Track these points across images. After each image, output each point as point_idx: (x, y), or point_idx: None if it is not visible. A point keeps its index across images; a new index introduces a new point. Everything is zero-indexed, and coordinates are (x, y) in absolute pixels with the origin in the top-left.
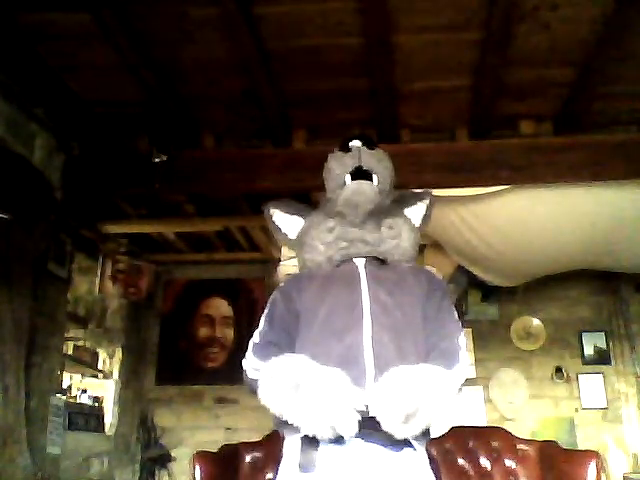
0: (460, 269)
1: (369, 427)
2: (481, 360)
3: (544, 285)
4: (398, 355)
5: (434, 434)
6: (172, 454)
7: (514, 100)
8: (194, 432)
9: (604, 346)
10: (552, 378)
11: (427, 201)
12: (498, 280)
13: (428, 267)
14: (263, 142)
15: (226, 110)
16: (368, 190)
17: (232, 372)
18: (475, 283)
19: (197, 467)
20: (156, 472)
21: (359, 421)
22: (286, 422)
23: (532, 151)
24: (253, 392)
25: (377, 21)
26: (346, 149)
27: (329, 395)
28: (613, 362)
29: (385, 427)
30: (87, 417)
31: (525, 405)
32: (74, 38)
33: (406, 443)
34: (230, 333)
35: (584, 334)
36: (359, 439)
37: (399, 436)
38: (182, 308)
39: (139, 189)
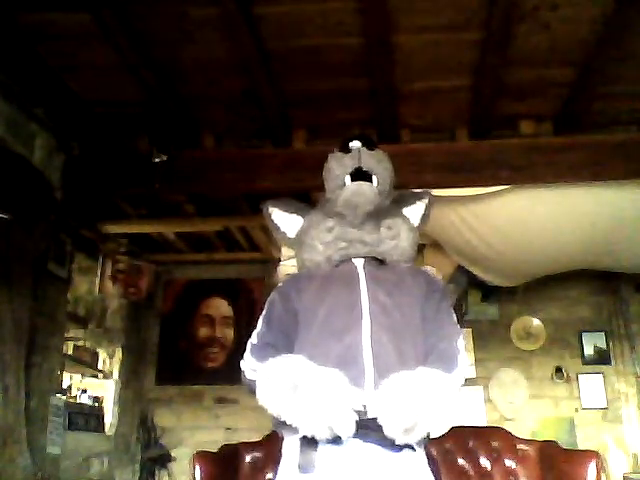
0: (460, 269)
1: (368, 427)
2: (481, 360)
3: (544, 285)
4: (397, 356)
5: (434, 435)
6: (172, 454)
7: (514, 100)
8: (194, 432)
9: (604, 346)
10: (552, 378)
11: (426, 201)
12: (498, 280)
13: (427, 267)
14: (263, 142)
15: (226, 110)
16: (368, 191)
17: (232, 372)
18: (475, 283)
19: (197, 467)
20: (156, 472)
21: (357, 421)
22: (285, 423)
23: (532, 151)
24: (252, 393)
25: (377, 21)
26: (346, 150)
27: (326, 396)
28: (613, 362)
29: (388, 434)
30: (87, 417)
31: (525, 405)
32: (74, 38)
33: (405, 444)
34: (230, 333)
35: (584, 334)
36: (358, 439)
37: (401, 442)
38: (182, 308)
39: (139, 189)
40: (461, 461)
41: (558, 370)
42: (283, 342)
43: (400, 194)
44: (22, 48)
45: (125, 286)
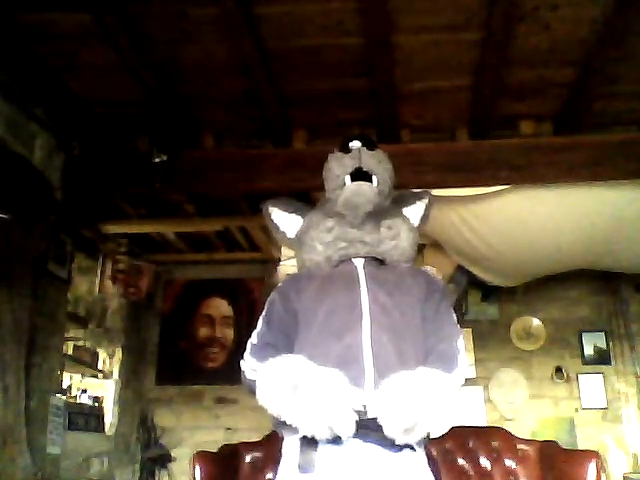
0: (460, 269)
1: (368, 427)
2: (481, 360)
3: (544, 285)
4: (397, 356)
5: (434, 435)
6: (172, 454)
7: (514, 100)
8: (194, 432)
9: (604, 346)
10: (552, 378)
11: (426, 201)
12: (498, 280)
13: (427, 267)
14: (263, 142)
15: (226, 110)
16: (368, 191)
17: (232, 372)
18: (475, 283)
19: (197, 467)
20: (156, 472)
21: (357, 421)
22: (285, 423)
23: (532, 151)
24: (252, 393)
25: (377, 21)
26: (346, 150)
27: (327, 395)
28: (613, 362)
29: (387, 434)
30: (87, 417)
31: (525, 405)
32: (74, 38)
33: (405, 444)
34: (230, 333)
35: (584, 334)
36: (358, 439)
37: (401, 442)
38: (182, 308)
39: (139, 189)
40: (461, 461)
41: (558, 370)
42: (283, 342)
43: (400, 194)
44: (22, 48)
45: (125, 286)
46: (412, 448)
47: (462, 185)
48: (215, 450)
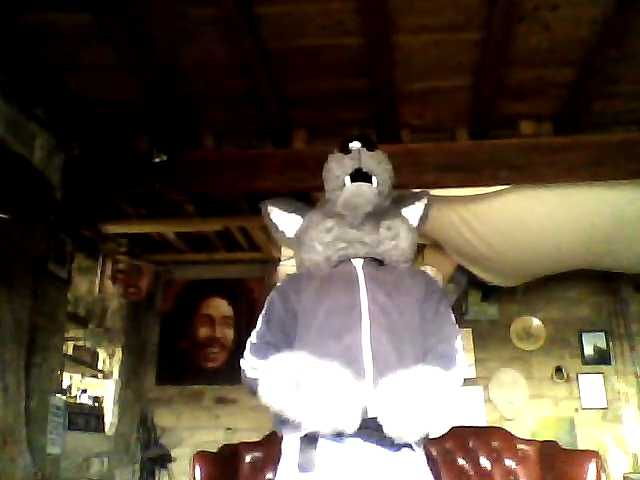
0: (460, 269)
1: (368, 427)
2: (481, 360)
3: (544, 285)
4: (396, 356)
5: (434, 435)
6: (172, 454)
7: (514, 100)
8: (194, 432)
9: (604, 346)
10: (552, 378)
11: (425, 201)
12: (498, 280)
13: (427, 267)
14: (263, 142)
15: (226, 110)
16: (367, 192)
17: (232, 372)
18: (475, 283)
19: (197, 467)
20: (156, 472)
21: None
22: (285, 421)
23: (532, 151)
24: (252, 392)
25: (377, 21)
26: (346, 150)
27: (331, 389)
28: (613, 362)
29: (387, 433)
30: (87, 417)
31: (525, 405)
32: (74, 38)
33: (404, 444)
34: (230, 333)
35: (584, 334)
36: (358, 439)
37: (401, 441)
38: (182, 308)
39: (139, 189)
40: (461, 461)
41: (558, 370)
42: (282, 341)
43: (399, 194)
44: (22, 48)
45: (125, 286)
46: (411, 448)
47: (462, 185)
48: (215, 450)
